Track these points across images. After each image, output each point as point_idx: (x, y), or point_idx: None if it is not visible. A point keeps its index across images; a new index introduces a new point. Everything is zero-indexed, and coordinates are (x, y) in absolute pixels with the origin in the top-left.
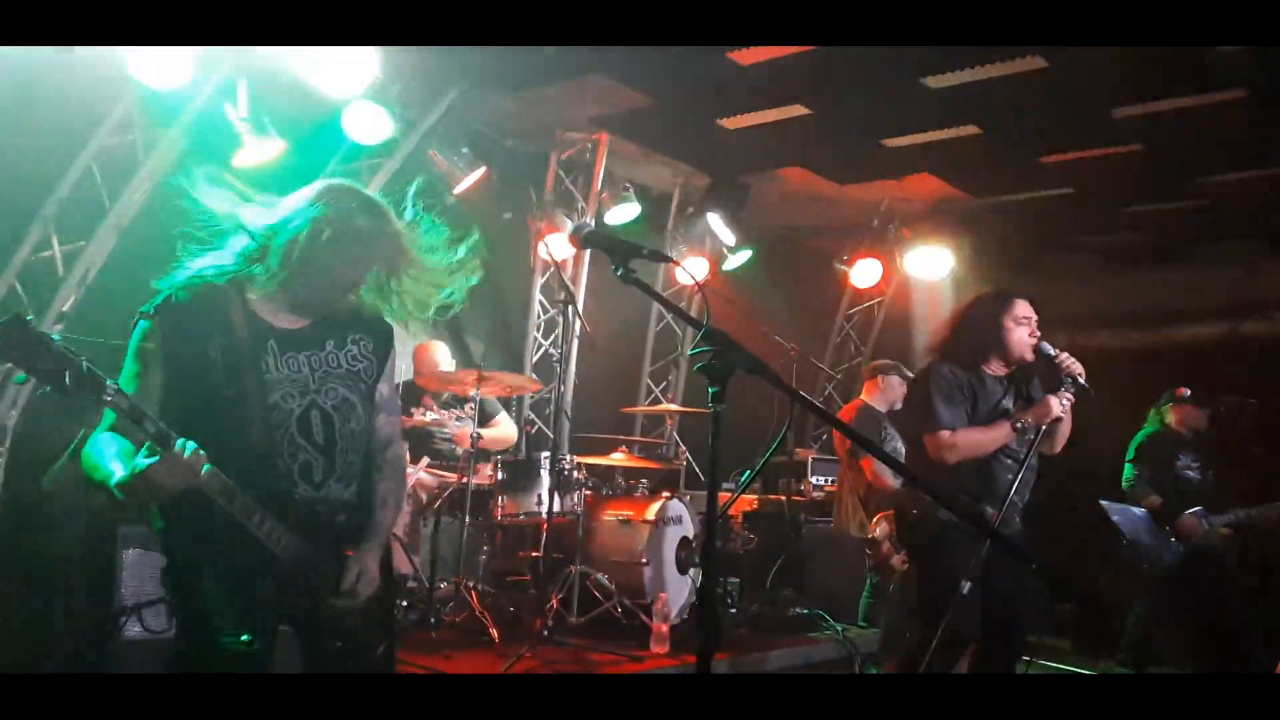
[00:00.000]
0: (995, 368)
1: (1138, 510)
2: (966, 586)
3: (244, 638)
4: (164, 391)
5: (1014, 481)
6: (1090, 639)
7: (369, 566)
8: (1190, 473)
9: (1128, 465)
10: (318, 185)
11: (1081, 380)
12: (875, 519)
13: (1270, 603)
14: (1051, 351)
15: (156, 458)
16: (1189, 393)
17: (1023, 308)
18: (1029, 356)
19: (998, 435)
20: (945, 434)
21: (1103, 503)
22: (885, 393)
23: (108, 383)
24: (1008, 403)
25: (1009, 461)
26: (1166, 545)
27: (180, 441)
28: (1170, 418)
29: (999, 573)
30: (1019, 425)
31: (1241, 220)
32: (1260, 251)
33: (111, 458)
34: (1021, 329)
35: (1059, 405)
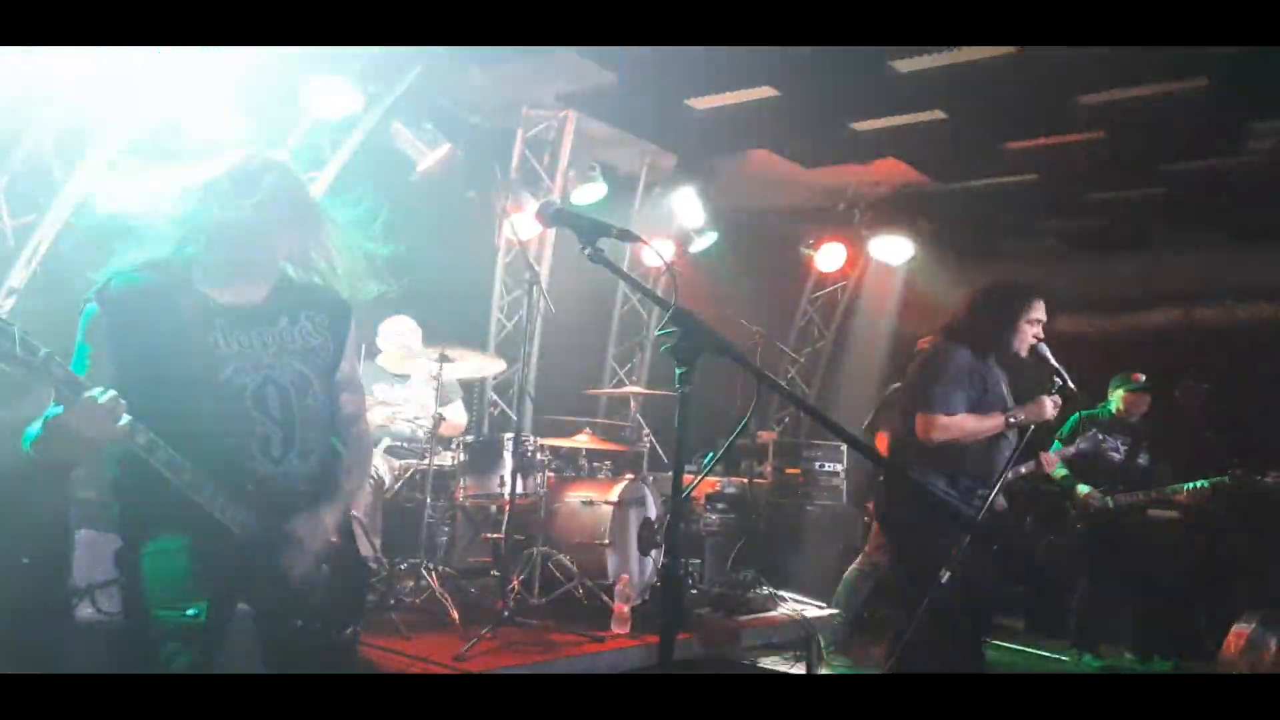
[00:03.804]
0: (994, 357)
1: None
2: (946, 576)
3: (190, 611)
4: (117, 377)
5: (1010, 461)
6: (1042, 618)
7: (323, 522)
8: (1114, 454)
9: (1055, 442)
10: (223, 158)
11: (1069, 384)
12: None
13: (1216, 585)
14: (1048, 355)
15: (63, 407)
16: (1143, 378)
17: (1038, 309)
18: (1024, 355)
19: (990, 425)
20: (942, 418)
21: None
22: None
23: (40, 350)
24: (1006, 391)
25: (1007, 443)
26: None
27: (92, 389)
28: (1114, 401)
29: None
30: (1012, 420)
31: (1200, 208)
32: (1218, 239)
33: (36, 420)
34: (1032, 329)
35: (1052, 406)
